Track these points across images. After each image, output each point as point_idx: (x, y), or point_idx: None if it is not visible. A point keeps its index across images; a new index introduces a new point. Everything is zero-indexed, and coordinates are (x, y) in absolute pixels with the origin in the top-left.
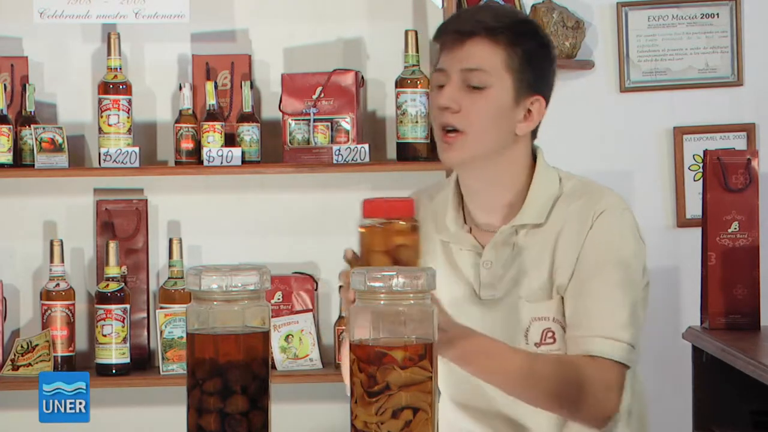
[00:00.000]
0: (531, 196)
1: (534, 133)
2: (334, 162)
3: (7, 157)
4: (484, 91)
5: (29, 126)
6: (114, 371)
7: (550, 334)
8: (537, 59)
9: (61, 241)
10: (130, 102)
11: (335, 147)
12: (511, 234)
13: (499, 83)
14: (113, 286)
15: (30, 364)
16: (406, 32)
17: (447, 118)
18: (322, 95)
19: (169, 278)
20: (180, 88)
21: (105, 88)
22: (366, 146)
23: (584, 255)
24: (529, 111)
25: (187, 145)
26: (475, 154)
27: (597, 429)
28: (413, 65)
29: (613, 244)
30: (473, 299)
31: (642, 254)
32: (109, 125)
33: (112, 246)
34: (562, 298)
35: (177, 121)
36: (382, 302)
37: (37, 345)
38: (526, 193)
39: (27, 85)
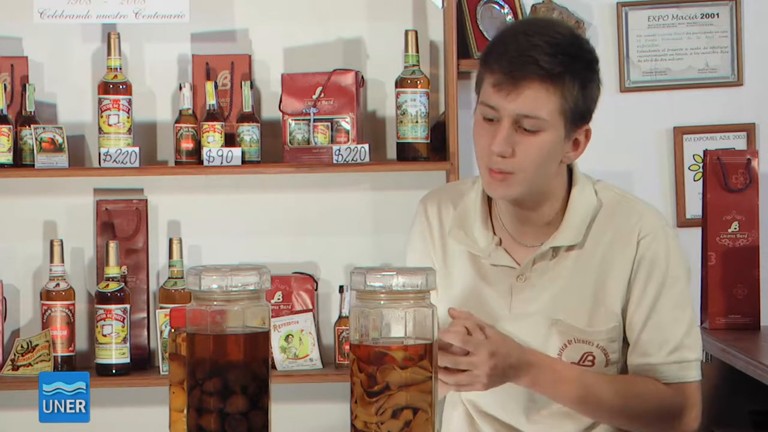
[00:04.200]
0: (569, 216)
1: None
2: (334, 162)
3: (7, 157)
4: (537, 135)
5: (29, 126)
6: (114, 371)
7: (590, 358)
8: (589, 89)
9: (61, 241)
10: (130, 102)
11: (335, 147)
12: (548, 252)
13: (553, 126)
14: (113, 286)
15: (30, 364)
16: (406, 32)
17: (498, 163)
18: (322, 95)
19: (169, 278)
20: (180, 88)
21: (105, 88)
22: (366, 146)
23: (637, 282)
24: (577, 140)
25: (187, 145)
26: (523, 190)
27: None
28: (413, 65)
29: (662, 267)
30: (504, 314)
31: (688, 265)
32: (109, 125)
33: (112, 246)
34: (614, 327)
35: (177, 121)
36: (382, 302)
37: (37, 345)
38: (564, 209)
39: (27, 85)
